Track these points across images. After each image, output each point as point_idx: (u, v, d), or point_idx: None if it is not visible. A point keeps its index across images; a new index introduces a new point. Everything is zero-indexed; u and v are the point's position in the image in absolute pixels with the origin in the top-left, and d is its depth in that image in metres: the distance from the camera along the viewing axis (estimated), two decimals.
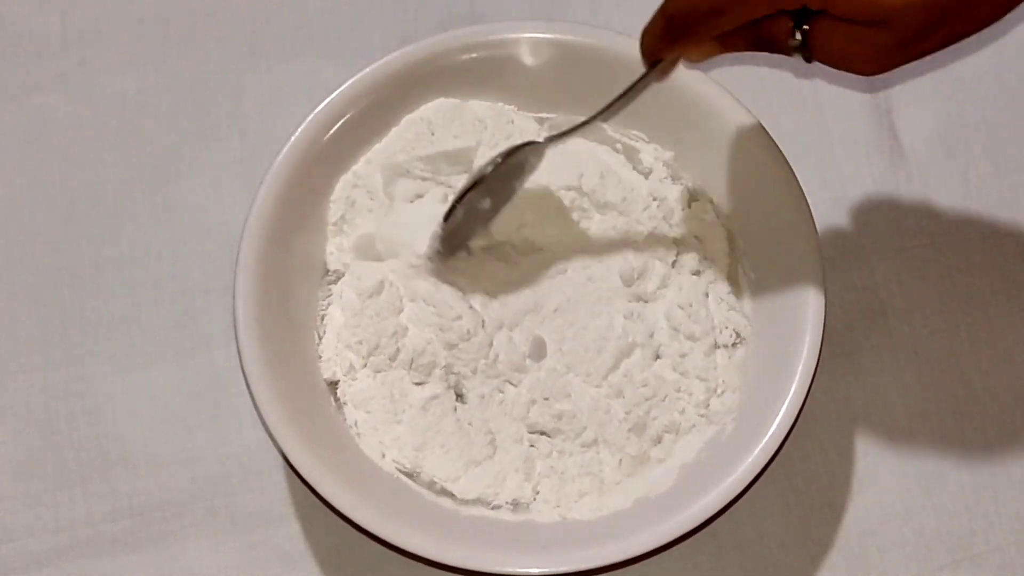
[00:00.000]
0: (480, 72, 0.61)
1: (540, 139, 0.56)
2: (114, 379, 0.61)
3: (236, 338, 0.54)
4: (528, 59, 0.60)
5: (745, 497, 0.54)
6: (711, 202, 0.61)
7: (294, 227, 0.58)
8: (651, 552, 0.52)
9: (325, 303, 0.59)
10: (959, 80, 0.67)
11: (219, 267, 0.63)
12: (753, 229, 0.59)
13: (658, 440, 0.57)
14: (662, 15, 0.48)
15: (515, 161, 0.56)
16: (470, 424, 0.57)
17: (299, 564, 0.59)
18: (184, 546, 0.59)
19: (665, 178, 0.61)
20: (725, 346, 0.58)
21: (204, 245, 0.64)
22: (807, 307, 0.55)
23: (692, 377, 0.58)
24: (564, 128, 0.56)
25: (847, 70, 0.46)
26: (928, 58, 0.46)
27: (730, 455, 0.54)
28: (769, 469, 0.54)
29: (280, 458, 0.60)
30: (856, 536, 0.59)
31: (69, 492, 0.60)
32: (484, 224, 0.59)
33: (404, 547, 0.52)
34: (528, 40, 0.60)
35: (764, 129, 0.58)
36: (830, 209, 0.64)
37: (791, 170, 0.57)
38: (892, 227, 0.64)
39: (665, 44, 0.48)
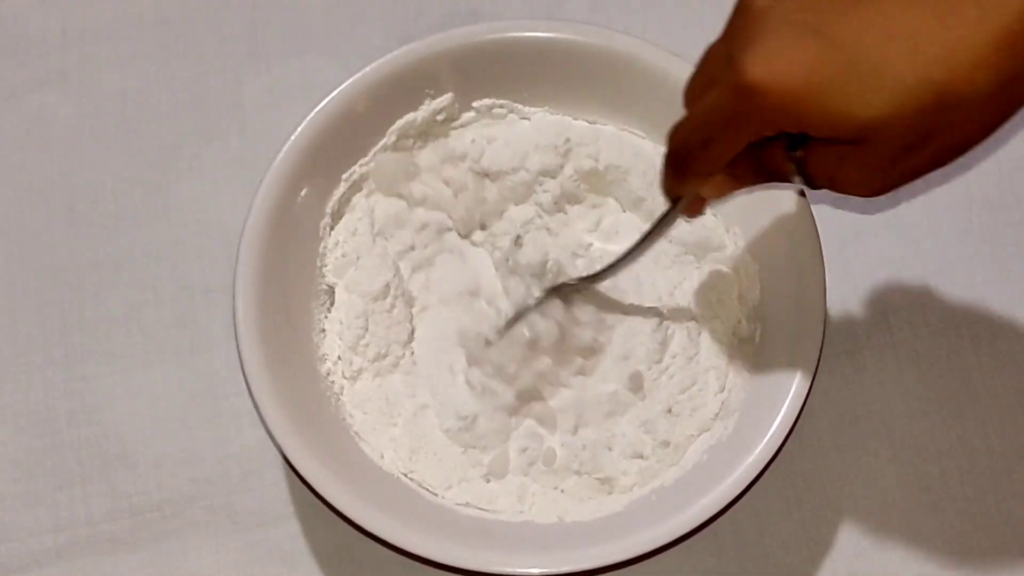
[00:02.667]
0: (480, 71, 0.61)
1: (573, 281, 0.58)
2: (114, 379, 0.61)
3: (236, 338, 0.54)
4: (528, 58, 0.60)
5: (745, 497, 0.54)
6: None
7: (294, 226, 0.58)
8: (651, 552, 0.52)
9: (325, 303, 0.59)
10: None
11: (219, 267, 0.63)
12: (753, 228, 0.59)
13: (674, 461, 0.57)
14: (667, 154, 0.48)
15: (553, 300, 0.58)
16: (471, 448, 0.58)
17: (299, 564, 0.59)
18: (184, 545, 0.59)
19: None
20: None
21: (204, 244, 0.64)
22: (807, 306, 0.55)
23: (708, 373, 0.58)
24: (597, 269, 0.57)
25: (846, 192, 0.45)
26: (936, 173, 0.45)
27: (730, 455, 0.54)
28: (769, 469, 0.53)
29: (280, 458, 0.60)
30: (856, 536, 0.59)
31: (69, 492, 0.60)
32: None
33: (404, 547, 0.52)
34: (528, 39, 0.60)
35: None
36: (830, 208, 0.64)
37: None
38: (893, 225, 0.64)
39: (676, 182, 0.49)
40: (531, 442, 0.57)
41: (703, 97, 0.45)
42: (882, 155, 0.42)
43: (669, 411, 0.57)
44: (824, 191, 0.46)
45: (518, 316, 0.58)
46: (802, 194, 0.55)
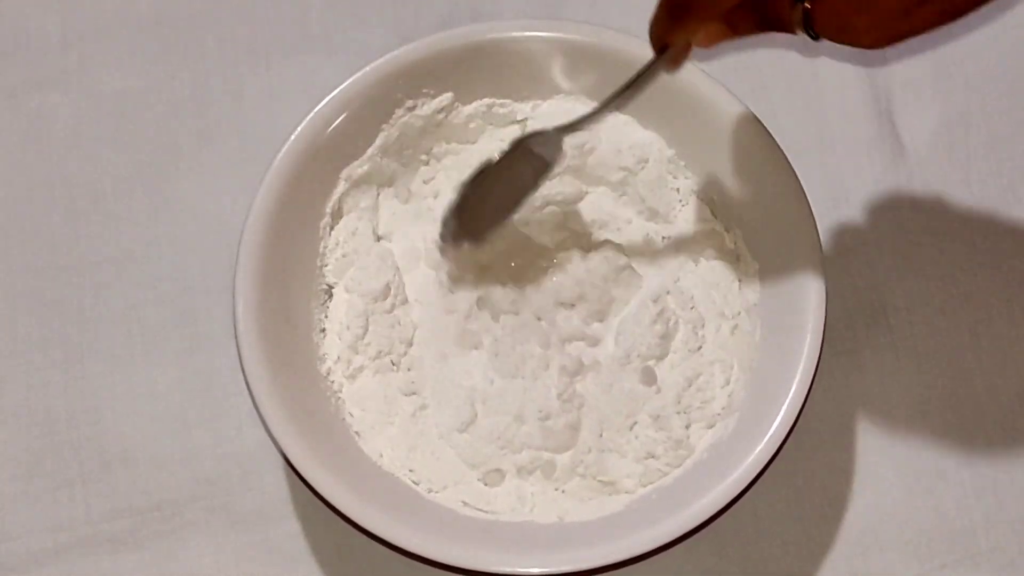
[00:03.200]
0: (480, 70, 0.61)
1: (549, 130, 0.56)
2: (114, 378, 0.61)
3: (236, 337, 0.54)
4: (528, 58, 0.60)
5: (746, 496, 0.54)
6: (712, 200, 0.61)
7: (294, 226, 0.58)
8: (652, 551, 0.52)
9: (325, 303, 0.59)
10: (960, 78, 0.67)
11: (219, 266, 0.63)
12: (753, 227, 0.59)
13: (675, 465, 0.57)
14: (661, 1, 0.47)
15: (525, 151, 0.55)
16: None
17: (299, 563, 0.59)
18: (184, 545, 0.59)
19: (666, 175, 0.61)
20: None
21: (204, 244, 0.64)
22: (807, 306, 0.55)
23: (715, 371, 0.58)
24: (573, 120, 0.55)
25: (850, 44, 0.45)
26: (928, 36, 0.45)
27: (730, 454, 0.54)
28: (770, 468, 0.53)
29: (280, 457, 0.60)
30: (857, 535, 0.59)
31: (69, 491, 0.60)
32: (502, 216, 0.58)
33: (404, 546, 0.52)
34: (528, 38, 0.60)
35: (765, 128, 0.58)
36: (831, 208, 0.64)
37: (792, 168, 0.57)
38: (893, 226, 0.64)
39: (671, 26, 0.48)
40: (529, 462, 0.57)
41: None
42: (895, 4, 0.42)
43: (679, 403, 0.57)
44: (822, 44, 0.46)
45: (482, 169, 0.56)
46: (784, 30, 0.50)
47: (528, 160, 0.56)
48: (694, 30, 0.48)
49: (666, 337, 0.58)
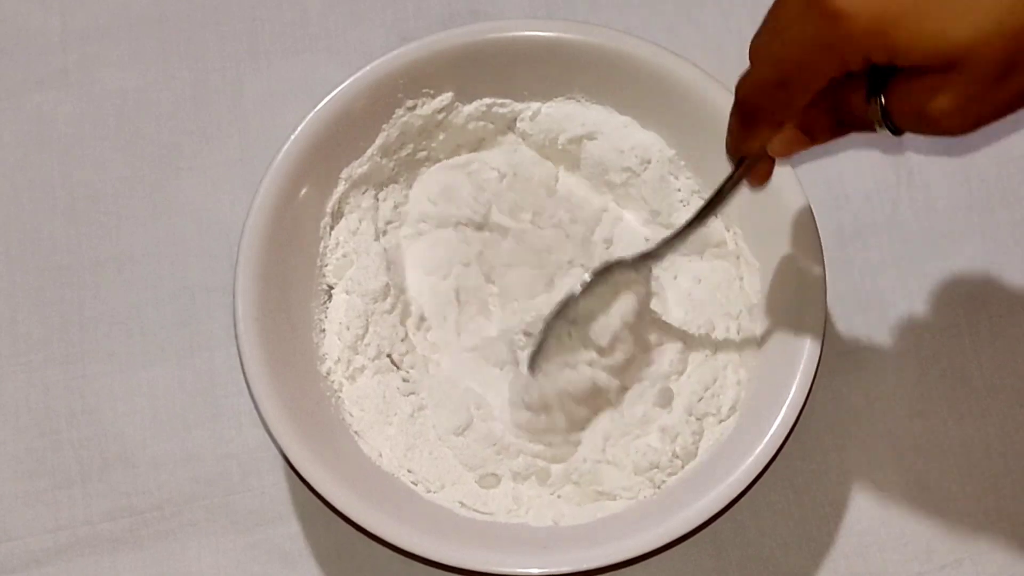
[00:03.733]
0: (480, 71, 0.61)
1: (628, 258, 0.56)
2: (114, 378, 0.61)
3: (236, 337, 0.54)
4: (528, 57, 0.60)
5: (746, 497, 0.54)
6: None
7: (294, 226, 0.58)
8: (651, 552, 0.52)
9: (325, 303, 0.59)
10: None
11: (219, 266, 0.63)
12: (754, 227, 0.59)
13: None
14: (735, 105, 0.47)
15: (606, 279, 0.55)
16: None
17: (298, 563, 0.59)
18: (184, 545, 0.59)
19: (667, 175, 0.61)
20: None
21: (204, 244, 0.64)
22: (808, 306, 0.55)
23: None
24: (654, 246, 0.55)
25: (934, 133, 0.43)
26: (1020, 115, 0.43)
27: (730, 455, 0.54)
28: (770, 469, 0.53)
29: (280, 457, 0.60)
30: (857, 535, 0.59)
31: (68, 491, 0.60)
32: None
33: (403, 547, 0.52)
34: (528, 38, 0.60)
35: None
36: (831, 207, 0.64)
37: (792, 168, 0.57)
38: (893, 225, 0.64)
39: (743, 135, 0.47)
40: (524, 468, 0.57)
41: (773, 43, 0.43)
42: (976, 81, 0.41)
43: (691, 414, 0.57)
44: (909, 137, 0.44)
45: (567, 302, 0.56)
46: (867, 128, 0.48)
47: (608, 288, 0.56)
48: (768, 138, 0.47)
49: (684, 352, 0.58)
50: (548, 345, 0.56)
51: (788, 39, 0.43)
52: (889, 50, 0.41)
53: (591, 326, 0.56)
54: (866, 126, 0.45)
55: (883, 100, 0.43)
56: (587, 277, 0.55)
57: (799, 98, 0.44)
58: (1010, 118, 0.43)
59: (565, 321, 0.56)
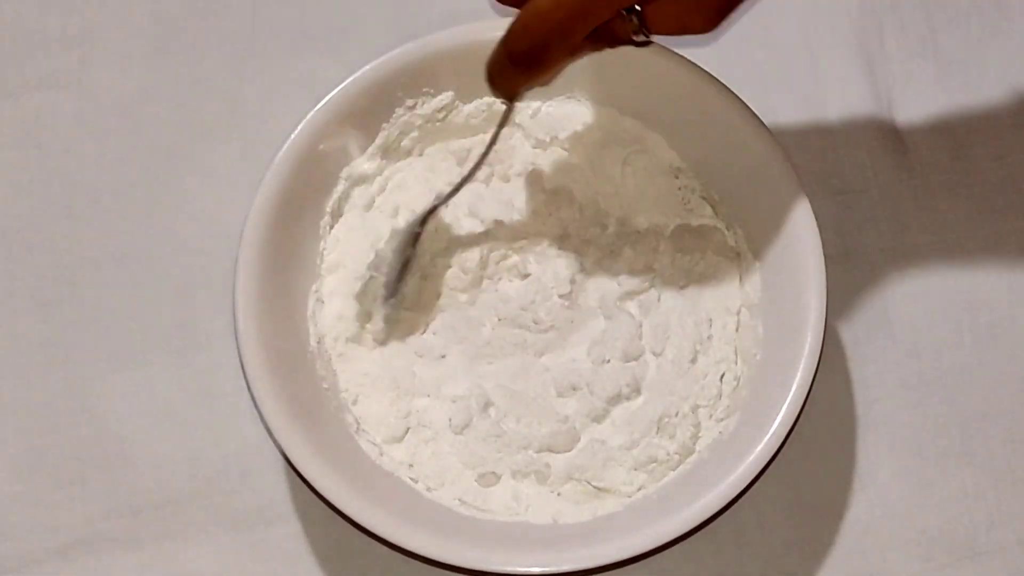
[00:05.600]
0: (481, 69, 0.60)
1: (431, 205, 0.58)
2: (113, 377, 0.61)
3: (236, 336, 0.54)
4: None
5: (746, 496, 0.54)
6: (714, 199, 0.61)
7: (294, 226, 0.58)
8: (651, 551, 0.52)
9: (324, 301, 0.59)
10: (962, 76, 0.67)
11: (219, 265, 0.62)
12: (754, 226, 0.59)
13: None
14: (508, 56, 0.49)
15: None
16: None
17: (299, 562, 0.59)
18: (183, 544, 0.59)
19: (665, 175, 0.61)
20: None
21: (204, 243, 0.64)
22: (808, 305, 0.55)
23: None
24: (453, 187, 0.57)
25: (686, 34, 0.48)
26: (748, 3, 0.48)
27: (730, 454, 0.54)
28: (770, 468, 0.53)
29: (280, 456, 0.60)
30: (857, 535, 0.59)
31: (68, 490, 0.60)
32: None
33: (403, 545, 0.52)
34: None
35: (765, 126, 0.58)
36: (831, 206, 0.64)
37: (792, 167, 0.57)
38: (894, 224, 0.64)
39: (522, 80, 0.50)
40: (523, 466, 0.57)
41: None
42: None
43: (689, 410, 0.57)
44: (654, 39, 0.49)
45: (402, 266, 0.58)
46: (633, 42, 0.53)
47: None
48: (544, 76, 0.50)
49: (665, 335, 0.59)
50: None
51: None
52: None
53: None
54: (622, 40, 0.49)
55: (639, 15, 0.48)
56: (415, 228, 0.58)
57: (578, 40, 0.48)
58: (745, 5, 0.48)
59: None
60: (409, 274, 0.58)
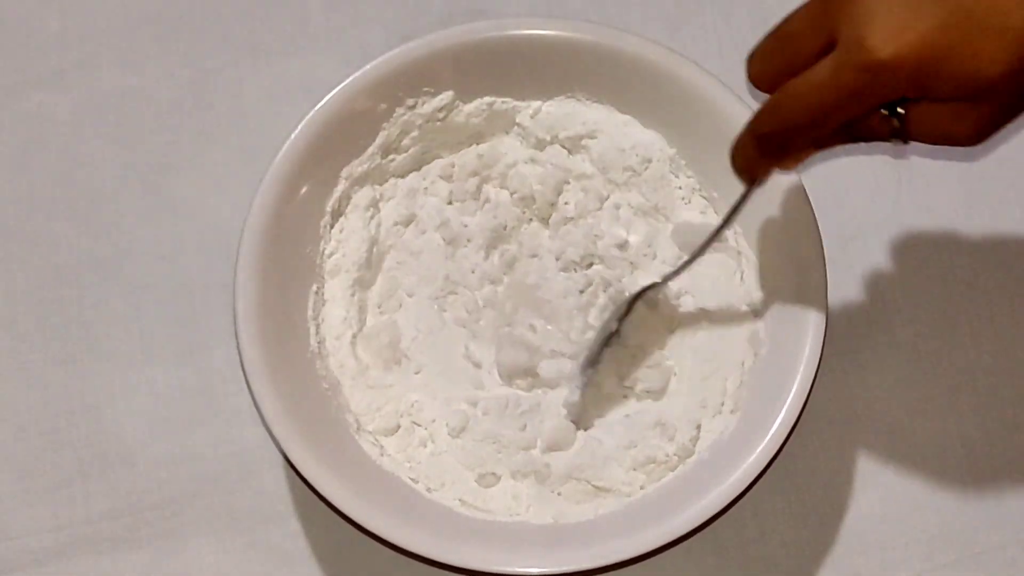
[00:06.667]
0: (480, 69, 0.60)
1: (658, 279, 0.57)
2: (113, 377, 0.61)
3: (236, 336, 0.54)
4: (529, 55, 0.60)
5: (747, 496, 0.54)
6: (714, 198, 0.61)
7: (295, 225, 0.58)
8: (652, 551, 0.52)
9: (325, 300, 0.59)
10: None
11: (219, 265, 0.62)
12: (754, 225, 0.59)
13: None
14: (753, 136, 0.47)
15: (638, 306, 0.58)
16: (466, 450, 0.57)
17: (298, 562, 0.59)
18: (184, 544, 0.59)
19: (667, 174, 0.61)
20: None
21: (204, 243, 0.64)
22: (809, 305, 0.55)
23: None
24: (676, 268, 0.57)
25: (948, 144, 0.45)
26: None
27: (731, 454, 0.54)
28: (771, 468, 0.53)
29: (280, 456, 0.60)
30: (858, 534, 0.59)
31: (68, 490, 0.60)
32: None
33: (403, 546, 0.52)
34: (528, 37, 0.60)
35: None
36: (832, 205, 0.64)
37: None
38: (894, 224, 0.64)
39: (763, 164, 0.48)
40: (523, 466, 0.57)
41: (795, 72, 0.44)
42: (999, 106, 0.43)
43: (689, 411, 0.57)
44: (913, 145, 0.46)
45: (605, 339, 0.57)
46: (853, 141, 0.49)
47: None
48: (786, 163, 0.48)
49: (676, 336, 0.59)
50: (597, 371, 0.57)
51: (818, 83, 0.43)
52: (924, 89, 0.42)
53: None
54: (877, 137, 0.46)
55: (903, 116, 0.44)
56: (624, 307, 0.57)
57: (826, 134, 0.45)
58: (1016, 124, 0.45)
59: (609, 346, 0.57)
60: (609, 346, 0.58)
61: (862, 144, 0.47)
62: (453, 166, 0.62)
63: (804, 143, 0.46)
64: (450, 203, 0.62)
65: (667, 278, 0.57)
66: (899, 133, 0.45)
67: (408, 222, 0.61)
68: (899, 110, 0.44)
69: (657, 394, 0.58)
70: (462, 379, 0.59)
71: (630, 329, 0.58)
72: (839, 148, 0.49)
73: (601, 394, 0.58)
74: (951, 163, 0.65)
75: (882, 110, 0.45)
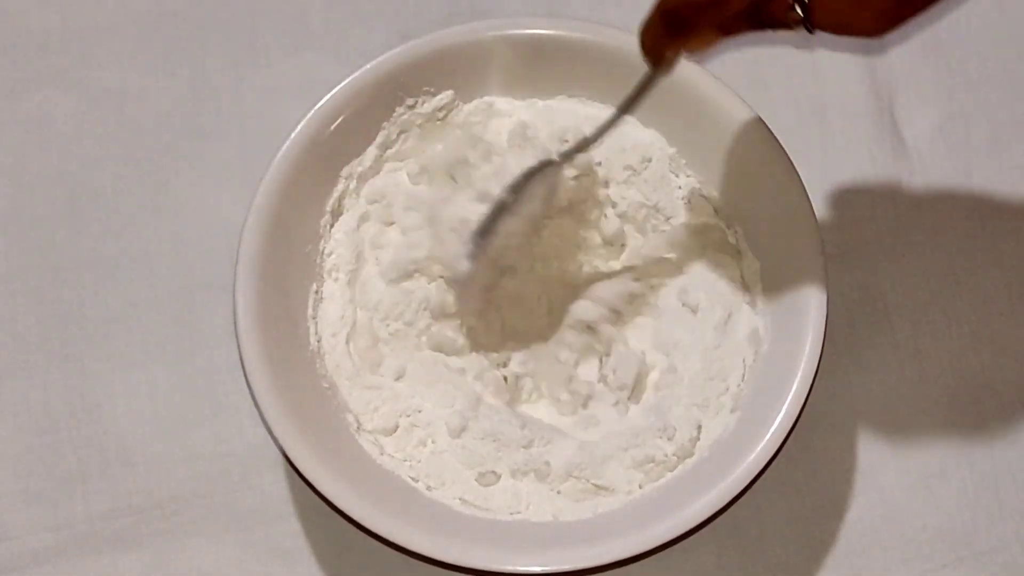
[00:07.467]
0: (480, 68, 0.61)
1: (555, 157, 0.56)
2: (114, 376, 0.61)
3: (236, 336, 0.54)
4: (529, 55, 0.60)
5: (747, 495, 0.54)
6: (714, 197, 0.61)
7: (295, 224, 0.58)
8: (652, 550, 0.52)
9: (324, 300, 0.59)
10: (962, 75, 0.67)
11: (219, 264, 0.62)
12: (755, 225, 0.59)
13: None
14: (659, 12, 0.47)
15: (534, 182, 0.56)
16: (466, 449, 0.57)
17: (298, 561, 0.59)
18: (184, 543, 0.59)
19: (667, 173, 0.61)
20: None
21: (204, 242, 0.64)
22: (809, 304, 0.55)
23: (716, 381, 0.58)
24: (573, 145, 0.56)
25: (852, 35, 0.46)
26: (923, 16, 0.45)
27: (731, 454, 0.54)
28: (771, 467, 0.53)
29: (280, 455, 0.60)
30: (858, 534, 0.59)
31: (68, 490, 0.60)
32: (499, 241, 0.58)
33: (403, 544, 0.52)
34: (528, 36, 0.60)
35: (766, 125, 0.58)
36: (832, 205, 0.64)
37: (793, 166, 0.57)
38: (894, 223, 0.64)
39: (668, 41, 0.48)
40: (523, 464, 0.57)
41: None
42: None
43: (689, 410, 0.57)
44: (818, 36, 0.46)
45: (498, 210, 0.56)
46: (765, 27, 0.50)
47: (535, 189, 0.56)
48: (692, 43, 0.48)
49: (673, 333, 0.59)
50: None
51: None
52: None
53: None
54: (783, 26, 0.46)
55: (803, 6, 0.45)
56: (521, 179, 0.55)
57: (730, 12, 0.46)
58: (922, 17, 0.45)
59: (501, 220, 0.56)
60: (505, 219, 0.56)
61: (769, 33, 0.48)
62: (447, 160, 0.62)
63: (709, 21, 0.46)
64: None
65: (564, 155, 0.56)
66: (803, 22, 0.46)
67: (390, 221, 0.61)
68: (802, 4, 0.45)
69: (635, 394, 0.58)
70: (442, 381, 0.59)
71: (524, 200, 0.56)
72: (747, 37, 0.49)
73: (558, 362, 0.59)
74: (951, 162, 0.65)
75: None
